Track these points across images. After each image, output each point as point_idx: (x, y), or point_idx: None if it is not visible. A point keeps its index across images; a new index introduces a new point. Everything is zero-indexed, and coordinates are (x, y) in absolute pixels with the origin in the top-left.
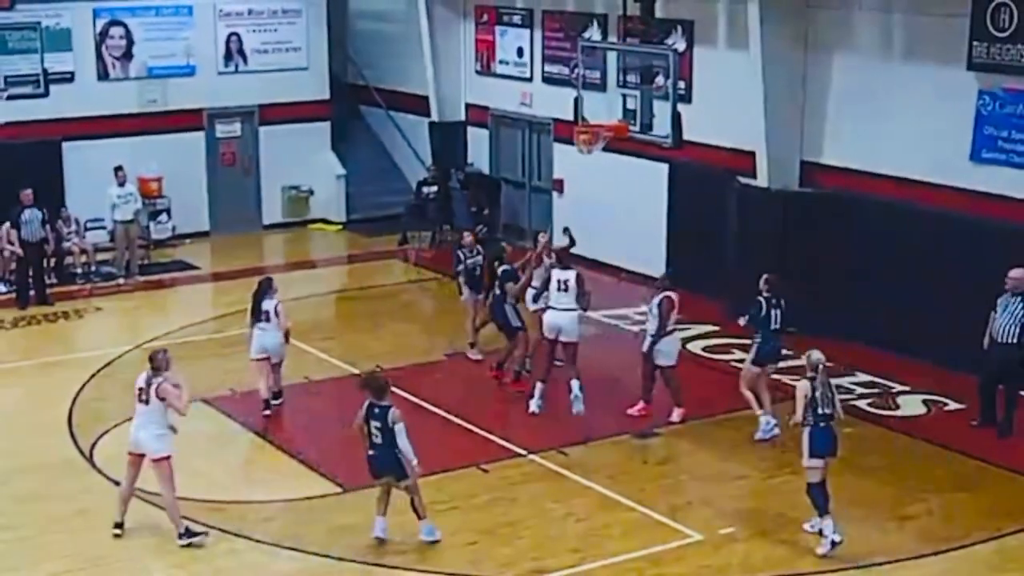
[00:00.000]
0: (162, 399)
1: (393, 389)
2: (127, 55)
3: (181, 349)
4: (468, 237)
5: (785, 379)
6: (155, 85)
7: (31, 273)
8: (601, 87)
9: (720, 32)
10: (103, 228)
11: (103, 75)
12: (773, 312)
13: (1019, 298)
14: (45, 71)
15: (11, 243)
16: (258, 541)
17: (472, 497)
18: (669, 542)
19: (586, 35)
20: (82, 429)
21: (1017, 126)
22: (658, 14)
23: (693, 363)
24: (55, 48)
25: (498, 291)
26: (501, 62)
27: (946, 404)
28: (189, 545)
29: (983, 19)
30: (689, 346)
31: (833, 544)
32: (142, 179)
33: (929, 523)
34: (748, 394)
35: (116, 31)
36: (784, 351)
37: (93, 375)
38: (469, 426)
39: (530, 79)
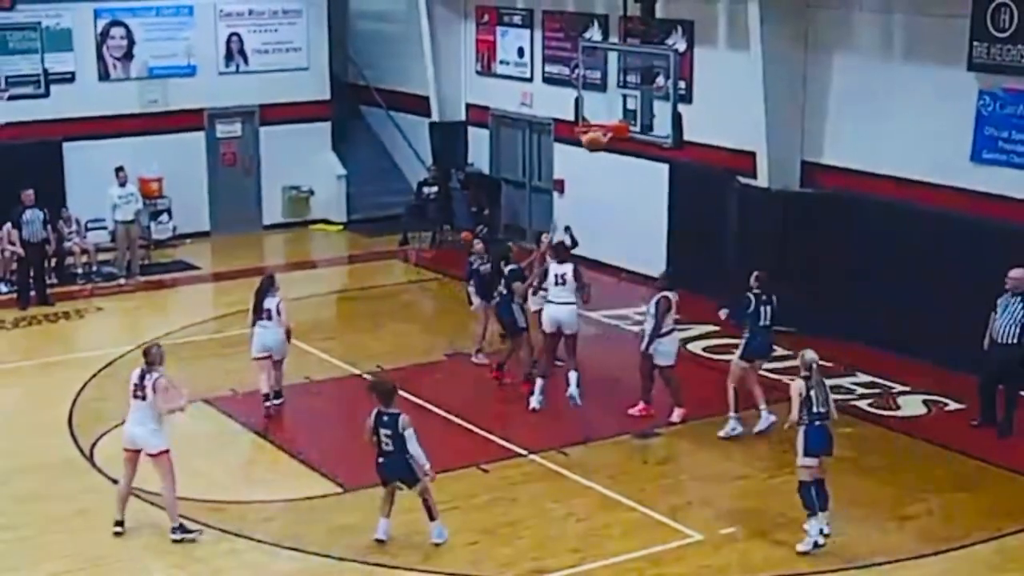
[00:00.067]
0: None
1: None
2: (128, 55)
3: (182, 349)
4: (478, 244)
5: (785, 379)
6: (156, 85)
7: (32, 273)
8: (601, 87)
9: (720, 32)
10: (104, 228)
11: (104, 75)
12: (762, 309)
13: (1019, 298)
14: (46, 71)
15: (12, 243)
16: (258, 541)
17: (472, 497)
18: (669, 542)
19: (587, 35)
20: (82, 429)
21: (1017, 126)
22: (658, 14)
23: (693, 363)
24: (56, 48)
25: (504, 291)
26: (502, 62)
27: (946, 404)
28: (181, 541)
29: (983, 19)
30: (689, 346)
31: (816, 545)
32: (143, 179)
33: (929, 523)
34: (730, 391)
35: (117, 31)
36: (774, 348)
37: (94, 375)
38: (469, 426)
39: (530, 79)
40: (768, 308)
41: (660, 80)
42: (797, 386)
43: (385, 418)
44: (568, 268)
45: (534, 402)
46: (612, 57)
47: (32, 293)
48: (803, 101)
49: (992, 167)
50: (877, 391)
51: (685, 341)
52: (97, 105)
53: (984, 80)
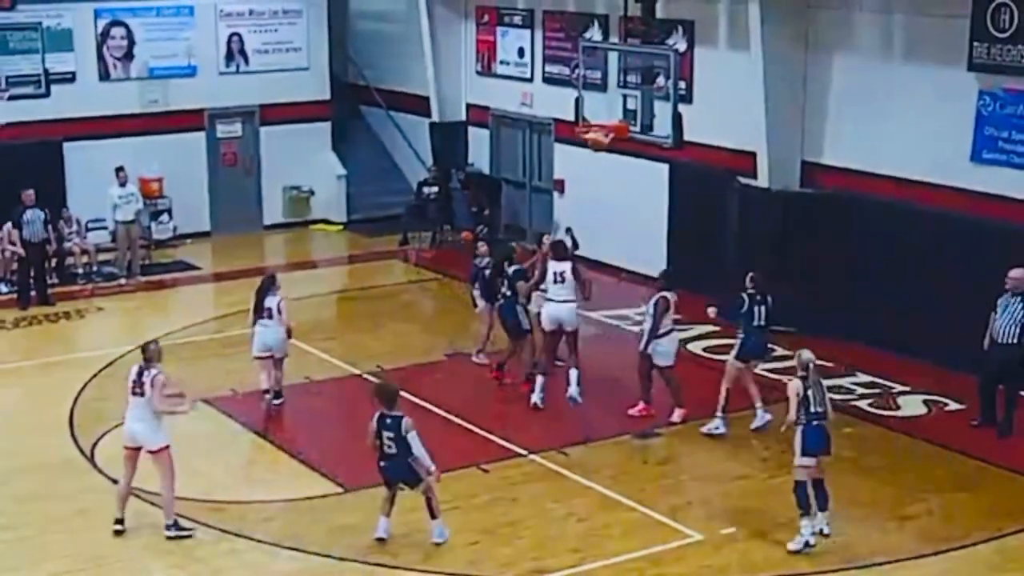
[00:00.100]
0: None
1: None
2: (128, 55)
3: (182, 349)
4: (483, 247)
5: (785, 379)
6: (156, 85)
7: (33, 273)
8: (602, 87)
9: (721, 32)
10: (104, 228)
11: (104, 75)
12: (757, 309)
13: (1019, 298)
14: (46, 71)
15: (13, 243)
16: (259, 541)
17: (473, 497)
18: (669, 542)
19: (587, 35)
20: (83, 429)
21: (1017, 127)
22: (659, 14)
23: (693, 363)
24: (56, 48)
25: (508, 292)
26: (502, 62)
27: (946, 404)
28: (176, 538)
29: (983, 20)
30: (690, 346)
31: (807, 544)
32: (143, 179)
33: (929, 523)
34: (723, 392)
35: (117, 31)
36: (770, 348)
37: (94, 375)
38: (470, 426)
39: (531, 79)
40: (762, 308)
41: (660, 80)
42: (795, 386)
43: (388, 421)
44: (566, 266)
45: (535, 399)
46: (612, 57)
47: (33, 293)
48: (803, 101)
49: (992, 167)
50: (877, 391)
51: (685, 341)
52: (98, 105)
53: (984, 80)
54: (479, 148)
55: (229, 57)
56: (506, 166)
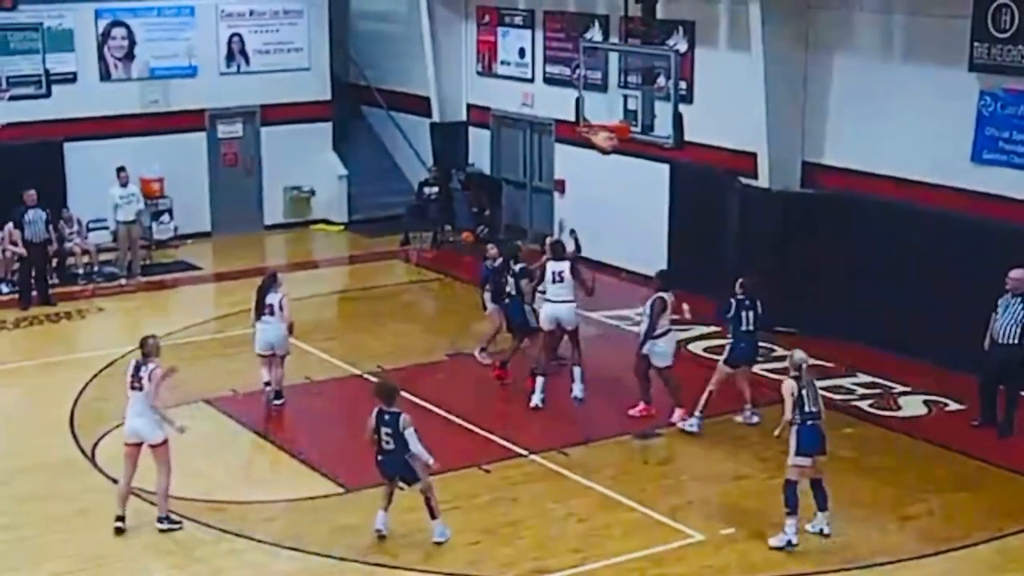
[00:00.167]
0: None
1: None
2: (129, 56)
3: (183, 349)
4: (492, 249)
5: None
6: (157, 86)
7: (34, 274)
8: (602, 88)
9: (721, 33)
10: (105, 228)
11: (105, 76)
12: (745, 314)
13: (1019, 299)
14: (47, 72)
15: (14, 243)
16: (259, 541)
17: (473, 497)
18: (670, 542)
19: (587, 36)
20: (84, 429)
21: (1018, 127)
22: (659, 15)
23: (694, 363)
24: (57, 49)
25: (514, 291)
26: (502, 63)
27: (947, 404)
28: (168, 530)
29: (984, 20)
30: (690, 346)
31: (789, 543)
32: (144, 180)
33: (930, 523)
34: (706, 392)
35: (118, 32)
36: (761, 353)
37: (95, 375)
38: (470, 426)
39: (531, 80)
40: (750, 314)
41: (661, 80)
42: (789, 386)
43: (386, 417)
44: (565, 266)
45: (536, 400)
46: (613, 57)
47: (34, 293)
48: (804, 102)
49: (993, 167)
50: (878, 391)
51: (686, 341)
52: (98, 105)
53: (985, 80)
54: (480, 148)
55: (230, 57)
56: (507, 166)
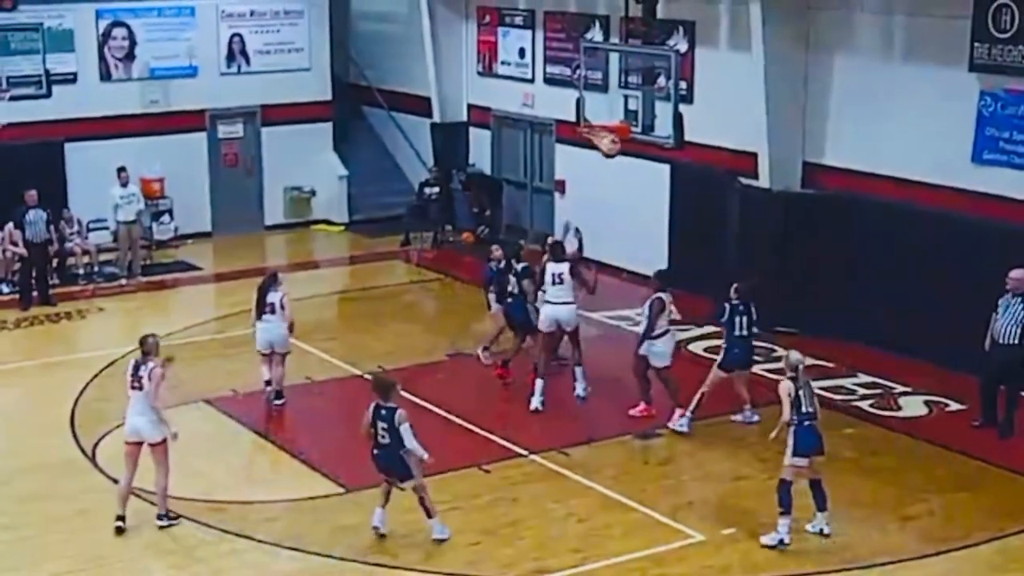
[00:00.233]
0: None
1: (400, 391)
2: (129, 56)
3: (183, 350)
4: (497, 251)
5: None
6: (157, 86)
7: (34, 274)
8: (603, 88)
9: (722, 33)
10: (106, 229)
11: (105, 76)
12: (738, 319)
13: (1020, 299)
14: (47, 72)
15: (14, 244)
16: (259, 541)
17: (474, 497)
18: (671, 542)
19: (588, 36)
20: (84, 429)
21: (1018, 127)
22: (660, 15)
23: (694, 364)
24: (58, 49)
25: (516, 290)
26: (503, 63)
27: (947, 405)
28: (168, 527)
29: (984, 20)
30: (691, 347)
31: (781, 542)
32: (144, 180)
33: (931, 523)
34: (699, 394)
35: (119, 32)
36: (756, 357)
37: (95, 375)
38: (471, 426)
39: (532, 80)
40: (744, 319)
41: (661, 81)
42: (786, 386)
43: (383, 412)
44: (564, 267)
45: (535, 403)
46: (613, 58)
47: (34, 293)
48: (804, 102)
49: (993, 168)
50: (878, 392)
51: (687, 342)
52: (99, 106)
53: (985, 81)
54: (480, 149)
55: (230, 58)
56: (507, 167)
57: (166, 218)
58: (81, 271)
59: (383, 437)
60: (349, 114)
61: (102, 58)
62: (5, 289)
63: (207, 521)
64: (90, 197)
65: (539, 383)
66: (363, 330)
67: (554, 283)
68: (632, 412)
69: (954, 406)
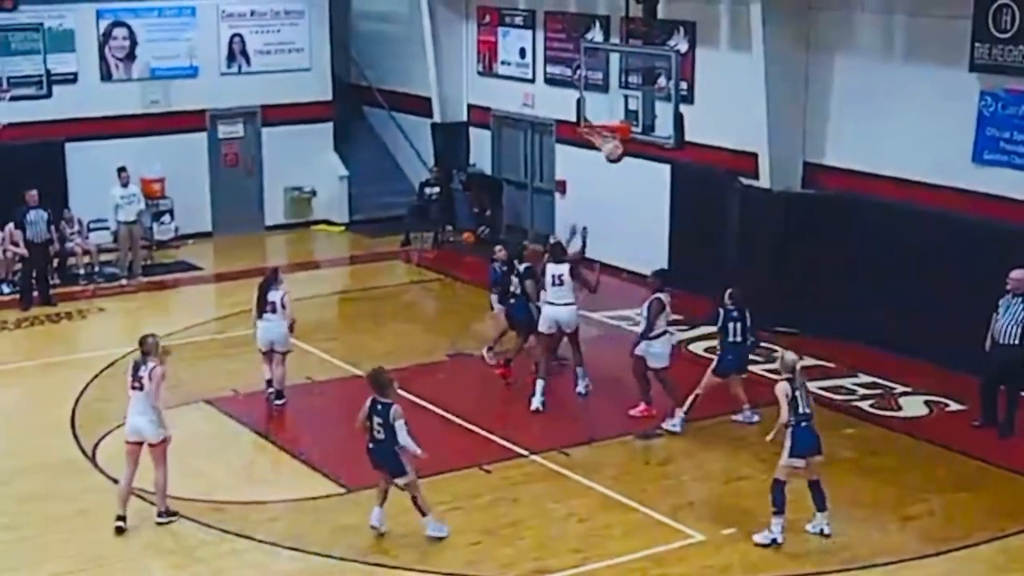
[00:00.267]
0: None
1: (397, 389)
2: (130, 56)
3: (184, 350)
4: (501, 252)
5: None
6: (158, 86)
7: (35, 274)
8: (603, 88)
9: (722, 33)
10: (106, 229)
11: (106, 76)
12: (732, 325)
13: (1020, 299)
14: (48, 72)
15: (15, 244)
16: (260, 541)
17: (474, 497)
18: (671, 542)
19: (588, 36)
20: (85, 429)
21: (1019, 127)
22: (660, 15)
23: (695, 364)
24: (58, 49)
25: (519, 291)
26: (503, 63)
27: (947, 405)
28: (167, 523)
29: (985, 20)
30: (691, 347)
31: (774, 542)
32: (145, 180)
33: (931, 523)
34: (693, 395)
35: (119, 32)
36: (748, 362)
37: (96, 375)
38: (471, 426)
39: (532, 80)
40: (738, 325)
41: (662, 81)
42: (783, 388)
43: (379, 407)
44: (564, 268)
45: (536, 403)
46: (614, 58)
47: (35, 294)
48: (805, 102)
49: (993, 168)
50: (879, 392)
51: (687, 342)
52: (99, 106)
53: (986, 81)
54: (481, 149)
55: (231, 58)
56: (508, 167)
57: (166, 218)
58: (82, 271)
59: (378, 432)
60: (350, 114)
61: (103, 58)
62: (6, 289)
63: (207, 521)
64: (91, 197)
65: (540, 383)
66: (363, 330)
67: (554, 284)
68: (632, 412)
69: (954, 406)
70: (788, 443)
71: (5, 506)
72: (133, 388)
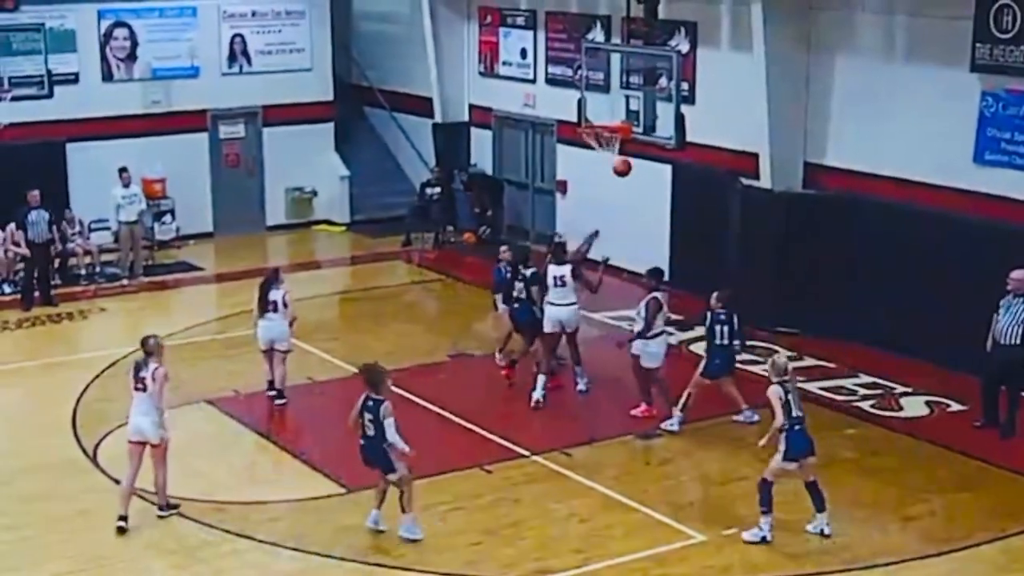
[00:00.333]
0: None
1: (396, 390)
2: (131, 56)
3: (185, 350)
4: (506, 253)
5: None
6: (159, 86)
7: (36, 274)
8: (604, 88)
9: (723, 33)
10: (107, 229)
11: (107, 76)
12: (719, 328)
13: (1021, 299)
14: (49, 72)
15: (16, 244)
16: (261, 541)
17: (475, 497)
18: (672, 543)
19: (589, 36)
20: (86, 429)
21: (1020, 128)
22: (661, 15)
23: (694, 364)
24: (59, 49)
25: (523, 295)
26: (504, 63)
27: (948, 405)
28: (167, 516)
29: (986, 21)
30: (692, 347)
31: (764, 539)
32: (146, 180)
33: (932, 524)
34: (685, 394)
35: (120, 32)
36: (735, 366)
37: (97, 376)
38: (472, 427)
39: (533, 80)
40: (725, 328)
41: (663, 81)
42: (776, 391)
43: (370, 403)
44: (566, 269)
45: (537, 395)
46: (615, 58)
47: (36, 294)
48: (806, 102)
49: (995, 168)
50: (879, 392)
51: (688, 341)
52: (100, 106)
53: (987, 81)
54: (482, 149)
55: (232, 58)
56: (509, 167)
57: (168, 218)
58: (83, 271)
59: (369, 429)
60: (351, 114)
61: (104, 58)
62: (7, 289)
63: (208, 521)
64: (92, 197)
65: (541, 378)
66: (364, 330)
67: (556, 285)
68: (633, 412)
69: (955, 406)
70: (782, 447)
71: (6, 506)
72: (136, 389)
